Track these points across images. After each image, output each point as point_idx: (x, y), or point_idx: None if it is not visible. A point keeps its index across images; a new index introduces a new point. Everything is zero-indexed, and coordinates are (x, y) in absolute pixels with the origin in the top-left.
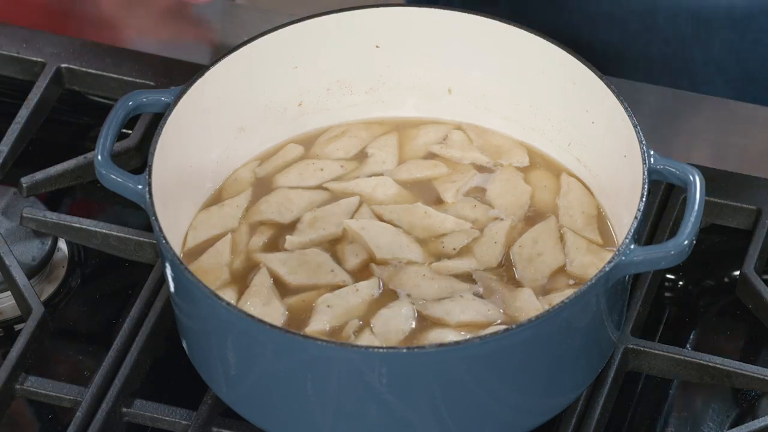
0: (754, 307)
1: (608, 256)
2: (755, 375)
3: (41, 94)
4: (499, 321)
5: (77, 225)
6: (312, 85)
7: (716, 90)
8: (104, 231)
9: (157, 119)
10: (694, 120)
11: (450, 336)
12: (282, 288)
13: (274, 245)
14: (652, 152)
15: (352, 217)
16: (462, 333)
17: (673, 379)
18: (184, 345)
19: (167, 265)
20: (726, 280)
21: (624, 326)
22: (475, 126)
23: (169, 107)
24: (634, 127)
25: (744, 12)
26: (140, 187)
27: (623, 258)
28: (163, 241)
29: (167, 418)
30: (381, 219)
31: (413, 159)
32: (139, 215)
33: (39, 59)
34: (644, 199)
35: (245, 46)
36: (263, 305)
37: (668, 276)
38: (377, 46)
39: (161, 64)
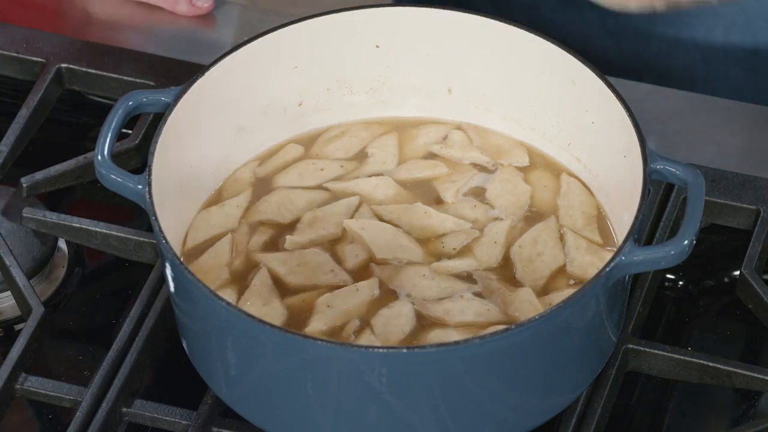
0: (754, 307)
1: (608, 256)
2: (755, 375)
3: (41, 94)
4: (498, 321)
5: (77, 225)
6: (312, 85)
7: (716, 90)
8: (104, 231)
9: (157, 119)
10: (694, 120)
11: (450, 336)
12: (282, 288)
13: (274, 245)
14: (652, 152)
15: (352, 217)
16: (462, 333)
17: (673, 379)
18: (184, 345)
19: (167, 265)
20: (726, 280)
21: (624, 326)
22: (475, 126)
23: (169, 107)
24: (634, 127)
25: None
26: (140, 187)
27: (623, 258)
28: (163, 241)
29: (167, 418)
30: (381, 219)
31: (413, 159)
32: (139, 215)
33: (39, 59)
34: (644, 199)
35: (245, 46)
36: (263, 305)
37: (668, 276)
38: (377, 46)
39: (161, 64)
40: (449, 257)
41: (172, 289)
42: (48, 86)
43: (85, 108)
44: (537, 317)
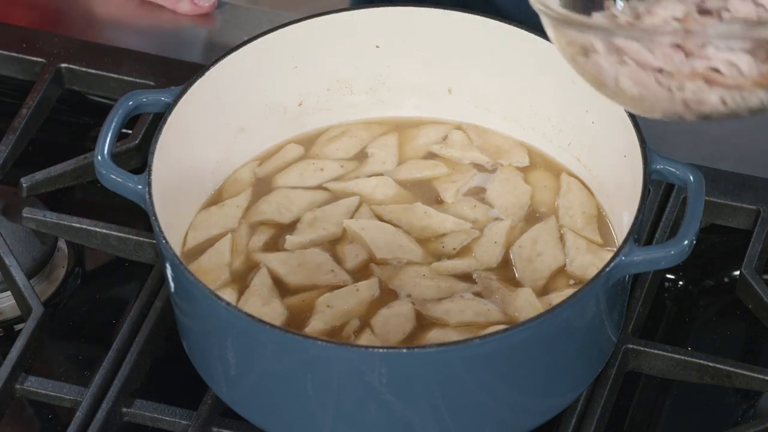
0: (754, 307)
1: (608, 256)
2: (755, 375)
3: (41, 94)
4: (498, 321)
5: (77, 225)
6: (312, 85)
7: None
8: (104, 231)
9: (157, 119)
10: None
11: (450, 336)
12: (282, 288)
13: (274, 245)
14: (652, 152)
15: (352, 217)
16: (462, 333)
17: (673, 379)
18: (184, 345)
19: (167, 265)
20: (726, 280)
21: (624, 326)
22: (475, 126)
23: (169, 107)
24: (634, 127)
25: None
26: (140, 187)
27: (623, 258)
28: (163, 241)
29: (167, 418)
30: (381, 219)
31: (413, 159)
32: (139, 215)
33: (39, 59)
34: (644, 199)
35: (245, 46)
36: (263, 305)
37: (668, 276)
38: (377, 46)
39: (161, 64)
40: (449, 257)
41: (172, 289)
42: (48, 86)
43: (85, 108)
44: (537, 317)
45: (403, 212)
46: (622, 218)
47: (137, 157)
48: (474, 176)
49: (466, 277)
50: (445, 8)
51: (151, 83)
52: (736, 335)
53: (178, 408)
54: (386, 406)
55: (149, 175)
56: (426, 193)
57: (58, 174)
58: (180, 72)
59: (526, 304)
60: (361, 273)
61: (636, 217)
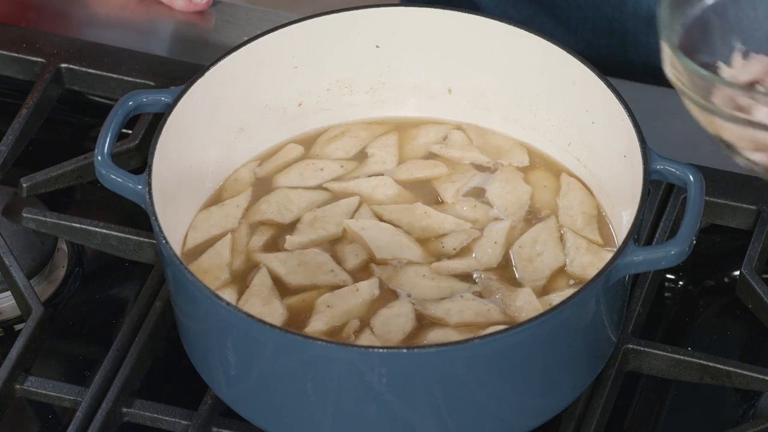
0: (754, 307)
1: (608, 256)
2: (755, 375)
3: (41, 94)
4: (498, 321)
5: (77, 225)
6: (312, 85)
7: None
8: (104, 231)
9: (157, 119)
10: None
11: (450, 336)
12: (282, 288)
13: (274, 245)
14: (652, 152)
15: (352, 217)
16: (462, 333)
17: (673, 379)
18: (184, 345)
19: (167, 265)
20: (726, 280)
21: (624, 326)
22: (475, 126)
23: (169, 107)
24: (634, 127)
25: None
26: (140, 187)
27: (623, 258)
28: (163, 241)
29: (167, 418)
30: (381, 219)
31: (413, 159)
32: (139, 215)
33: (39, 59)
34: (644, 199)
35: (245, 46)
36: (263, 305)
37: (668, 276)
38: (377, 46)
39: (161, 64)
40: (449, 257)
41: (172, 289)
42: (48, 86)
43: (85, 108)
44: (537, 317)
45: (403, 212)
46: (622, 218)
47: (137, 157)
48: (474, 176)
49: (466, 277)
50: (445, 8)
51: (151, 83)
52: (736, 335)
53: (178, 408)
54: (386, 406)
55: (149, 175)
56: (426, 193)
57: (58, 174)
58: (180, 72)
59: (526, 304)
60: (361, 273)
61: (636, 217)
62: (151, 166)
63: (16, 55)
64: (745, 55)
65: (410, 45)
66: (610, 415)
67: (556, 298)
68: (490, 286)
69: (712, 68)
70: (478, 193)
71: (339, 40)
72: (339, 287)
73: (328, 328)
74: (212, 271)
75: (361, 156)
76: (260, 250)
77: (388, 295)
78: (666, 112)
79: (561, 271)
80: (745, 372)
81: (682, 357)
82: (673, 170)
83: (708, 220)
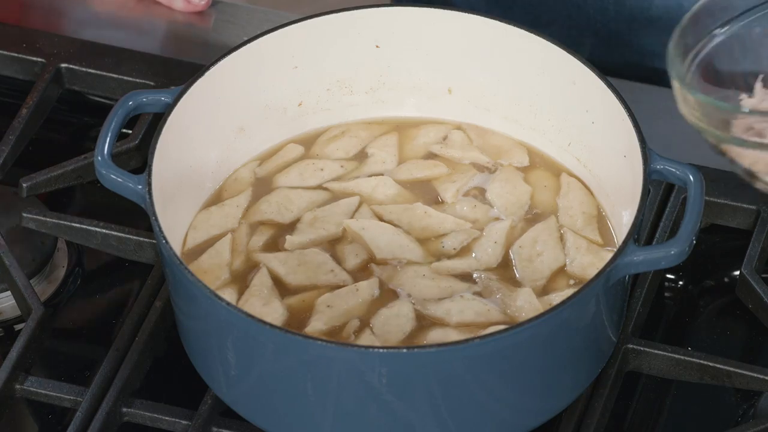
0: (754, 307)
1: (608, 256)
2: (755, 375)
3: (41, 94)
4: (498, 321)
5: (77, 225)
6: (312, 85)
7: None
8: (104, 231)
9: (157, 119)
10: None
11: (450, 336)
12: (282, 288)
13: (274, 245)
14: (652, 152)
15: (352, 217)
16: (462, 333)
17: (673, 379)
18: (184, 345)
19: (167, 265)
20: (726, 280)
21: (624, 326)
22: (475, 126)
23: (169, 107)
24: (634, 127)
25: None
26: (140, 187)
27: (623, 258)
28: (163, 241)
29: (167, 418)
30: (381, 219)
31: (413, 159)
32: (139, 215)
33: (39, 59)
34: (644, 199)
35: (245, 46)
36: (263, 305)
37: (668, 276)
38: (377, 46)
39: (161, 64)
40: (449, 257)
41: (172, 289)
42: (48, 86)
43: (85, 108)
44: (537, 317)
45: (403, 212)
46: (622, 218)
47: (137, 157)
48: (474, 176)
49: (466, 277)
50: (445, 8)
51: (151, 83)
52: (736, 335)
53: (178, 408)
54: (386, 406)
55: (149, 175)
56: (426, 193)
57: (58, 174)
58: (180, 72)
59: (526, 304)
60: (361, 273)
61: (636, 217)
62: (151, 166)
63: (16, 55)
64: (765, 84)
65: (410, 45)
66: (610, 415)
67: (556, 298)
68: (490, 286)
69: (729, 99)
70: (478, 193)
71: (339, 40)
72: (339, 287)
73: (328, 328)
74: (212, 271)
75: (361, 156)
76: (260, 250)
77: (388, 295)
78: (666, 112)
79: (561, 271)
80: (745, 372)
81: (682, 357)
82: (673, 170)
83: (708, 220)
